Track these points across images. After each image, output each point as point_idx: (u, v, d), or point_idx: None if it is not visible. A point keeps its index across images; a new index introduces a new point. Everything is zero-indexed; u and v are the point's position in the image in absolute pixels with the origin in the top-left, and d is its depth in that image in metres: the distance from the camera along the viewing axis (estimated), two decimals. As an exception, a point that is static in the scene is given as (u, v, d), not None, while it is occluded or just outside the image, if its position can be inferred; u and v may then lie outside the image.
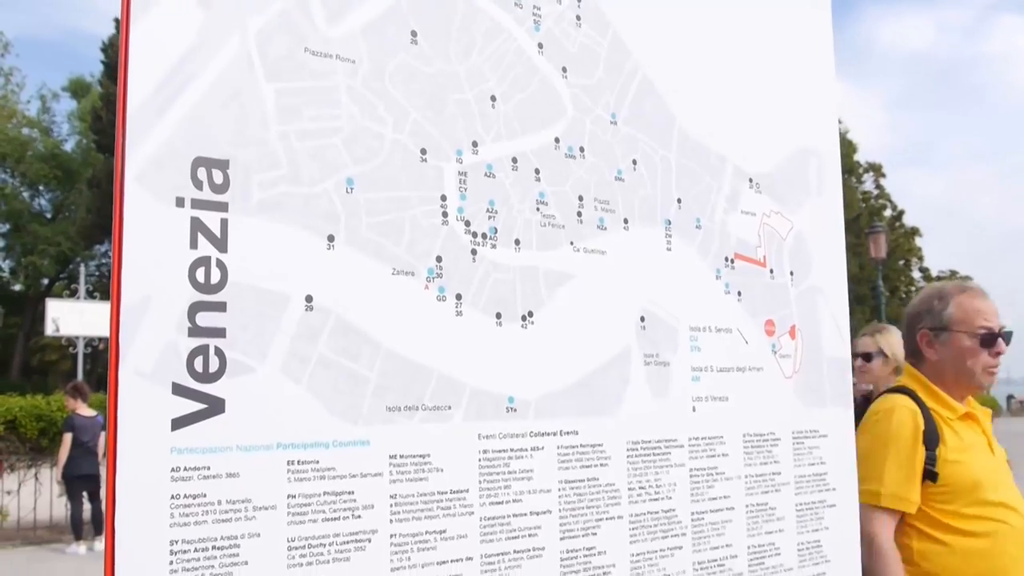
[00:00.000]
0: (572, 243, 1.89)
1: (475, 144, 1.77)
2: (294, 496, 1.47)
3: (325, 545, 1.49)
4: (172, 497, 1.36)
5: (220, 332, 1.43)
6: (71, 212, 38.78)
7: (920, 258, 32.79)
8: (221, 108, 1.48)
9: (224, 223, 1.45)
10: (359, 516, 1.53)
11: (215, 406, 1.41)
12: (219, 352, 1.42)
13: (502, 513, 1.71)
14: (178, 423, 1.37)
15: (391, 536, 1.56)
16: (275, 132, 1.53)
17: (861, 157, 31.28)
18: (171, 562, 1.34)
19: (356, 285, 1.58)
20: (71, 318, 16.24)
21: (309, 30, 1.59)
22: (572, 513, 1.81)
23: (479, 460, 1.69)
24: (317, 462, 1.50)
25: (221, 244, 1.45)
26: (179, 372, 1.39)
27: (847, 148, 29.10)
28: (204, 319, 1.42)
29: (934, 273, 32.90)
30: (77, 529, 10.96)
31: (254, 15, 1.53)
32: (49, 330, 16.28)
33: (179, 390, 1.38)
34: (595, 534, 1.84)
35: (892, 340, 4.45)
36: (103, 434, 10.49)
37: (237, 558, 1.40)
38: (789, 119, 2.40)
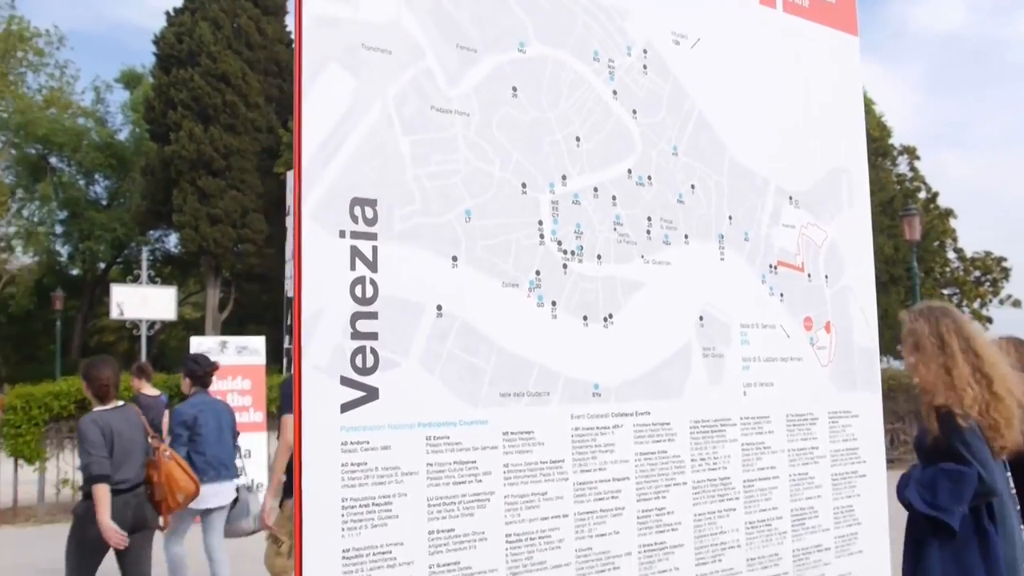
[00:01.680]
0: (643, 256, 2.27)
1: (564, 177, 2.16)
2: (431, 464, 1.87)
3: (455, 503, 1.90)
4: (342, 465, 1.76)
5: (374, 335, 1.83)
6: (125, 199, 39.81)
7: (954, 239, 32.57)
8: (370, 157, 1.87)
9: (375, 249, 1.86)
10: (480, 480, 1.94)
11: (372, 394, 1.81)
12: (373, 351, 1.83)
13: (590, 479, 2.10)
14: (345, 407, 1.78)
15: (504, 497, 1.96)
16: (410, 175, 1.92)
17: (895, 140, 31.13)
18: (343, 515, 1.75)
19: (475, 295, 1.97)
20: (134, 302, 16.83)
21: (433, 91, 1.98)
22: (646, 480, 2.20)
23: (572, 436, 2.09)
24: (448, 437, 1.90)
25: (373, 266, 1.85)
26: (345, 367, 1.79)
27: (881, 131, 28.95)
28: (362, 325, 1.82)
29: (968, 254, 32.67)
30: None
31: (392, 82, 1.92)
32: (114, 313, 16.89)
33: (345, 381, 1.79)
34: (664, 497, 2.23)
35: None
36: (167, 412, 11.02)
37: (390, 512, 1.81)
38: (823, 143, 2.77)
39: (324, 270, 1.80)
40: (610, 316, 2.19)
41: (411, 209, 1.92)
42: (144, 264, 19.58)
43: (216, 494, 6.20)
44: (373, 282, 1.85)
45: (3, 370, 36.47)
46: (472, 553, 1.91)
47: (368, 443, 1.80)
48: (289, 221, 16.34)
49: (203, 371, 6.52)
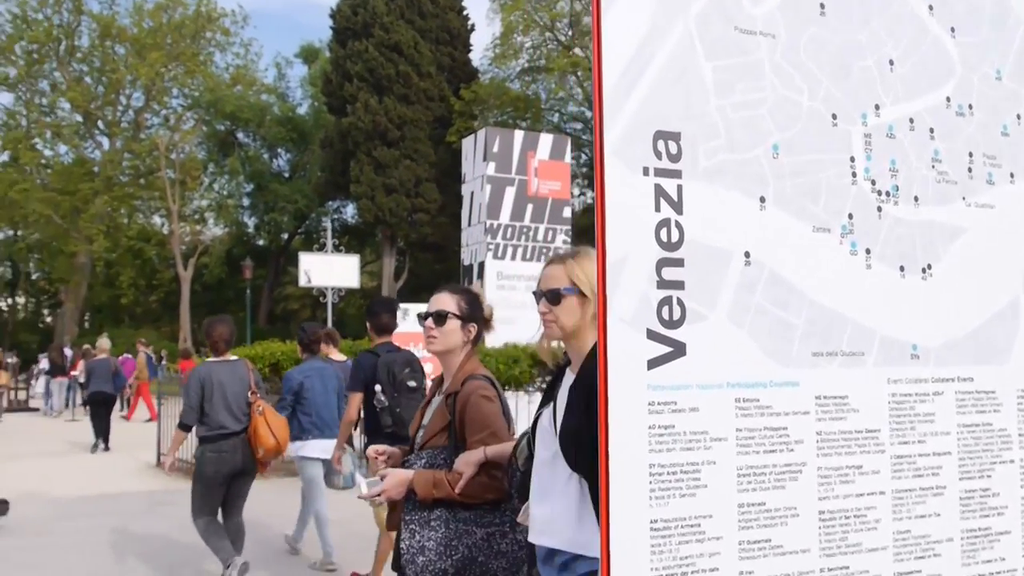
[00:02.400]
0: (964, 198, 1.97)
1: (877, 107, 1.88)
2: (740, 430, 1.66)
3: (765, 474, 1.68)
4: (649, 428, 1.58)
5: (680, 284, 1.63)
6: (305, 171, 41.54)
7: None
8: (671, 86, 1.66)
9: (679, 189, 1.65)
10: (792, 450, 1.71)
11: (679, 349, 1.62)
12: (680, 302, 1.63)
13: (909, 452, 1.84)
14: (652, 363, 1.59)
15: (818, 469, 1.73)
16: (714, 105, 1.70)
17: None
18: (650, 483, 1.57)
19: (783, 241, 1.74)
20: (321, 270, 17.56)
21: (736, 10, 1.75)
22: (969, 456, 1.91)
23: (888, 403, 1.83)
24: (758, 400, 1.69)
25: (678, 207, 1.64)
26: (651, 319, 1.60)
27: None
28: (668, 273, 1.62)
29: None
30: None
31: (693, 1, 1.70)
32: (302, 281, 17.75)
33: (652, 335, 1.60)
34: (989, 476, 1.94)
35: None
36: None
37: (699, 482, 1.62)
38: None
39: (628, 212, 1.61)
40: (929, 267, 1.90)
41: (715, 144, 1.70)
42: (329, 233, 20.29)
43: (324, 450, 6.55)
44: (679, 225, 1.64)
45: (200, 335, 38.96)
46: (783, 530, 1.70)
47: (675, 404, 1.61)
48: (469, 188, 16.49)
49: (308, 339, 7.19)
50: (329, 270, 18.09)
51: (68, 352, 22.45)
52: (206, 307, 41.69)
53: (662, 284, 1.62)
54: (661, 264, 1.62)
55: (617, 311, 1.58)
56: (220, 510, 6.09)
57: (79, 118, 40.48)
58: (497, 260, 15.49)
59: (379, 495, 2.92)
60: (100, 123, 41.21)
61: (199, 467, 5.94)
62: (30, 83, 39.99)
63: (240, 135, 42.43)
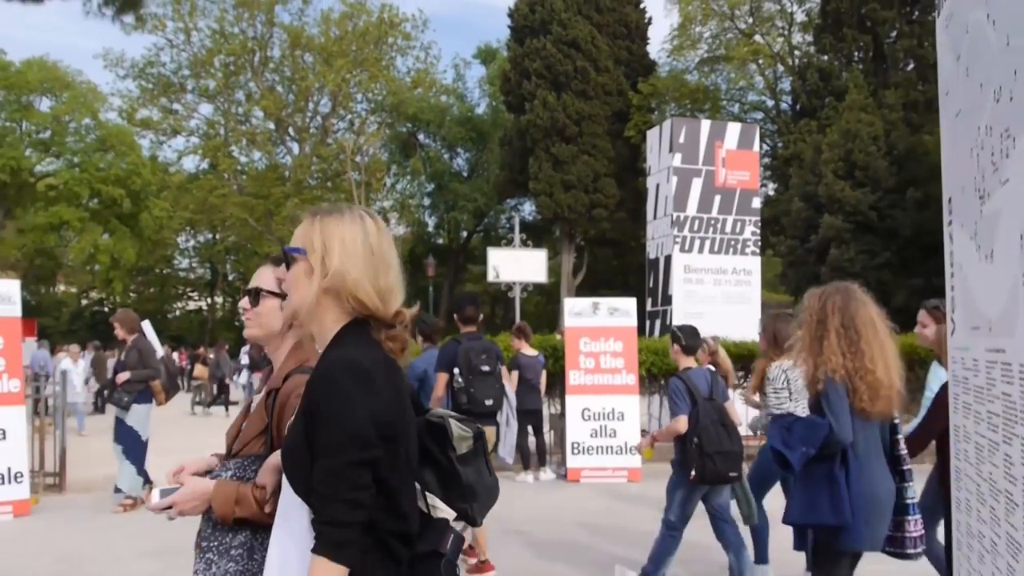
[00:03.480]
0: None
1: None
2: None
3: None
4: None
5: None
6: (484, 170, 42.05)
7: None
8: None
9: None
10: None
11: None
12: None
13: None
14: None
15: None
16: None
17: None
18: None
19: None
20: (508, 265, 17.60)
21: None
22: None
23: None
24: None
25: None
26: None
27: None
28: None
29: None
30: (525, 459, 11.68)
31: None
32: (490, 276, 17.92)
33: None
34: None
35: None
36: (543, 372, 11.08)
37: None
38: None
39: None
40: None
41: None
42: (517, 228, 20.36)
43: None
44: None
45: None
46: None
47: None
48: (654, 180, 16.00)
49: (429, 329, 7.32)
50: (517, 265, 18.15)
51: (265, 348, 23.42)
52: (390, 305, 43.00)
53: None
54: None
55: None
56: None
57: (271, 125, 42.71)
58: (684, 253, 14.86)
59: (170, 507, 2.31)
60: (290, 129, 43.30)
61: None
62: (227, 94, 42.50)
63: (421, 136, 43.45)
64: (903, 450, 3.82)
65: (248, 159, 44.03)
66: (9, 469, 8.36)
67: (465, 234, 44.71)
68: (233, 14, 39.90)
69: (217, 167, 41.74)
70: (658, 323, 15.27)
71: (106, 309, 55.40)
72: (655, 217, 15.80)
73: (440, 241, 45.57)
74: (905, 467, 3.81)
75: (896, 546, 3.81)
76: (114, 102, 42.86)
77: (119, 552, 7.06)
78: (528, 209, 40.62)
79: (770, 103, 36.67)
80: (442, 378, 6.39)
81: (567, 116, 30.93)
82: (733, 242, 15.11)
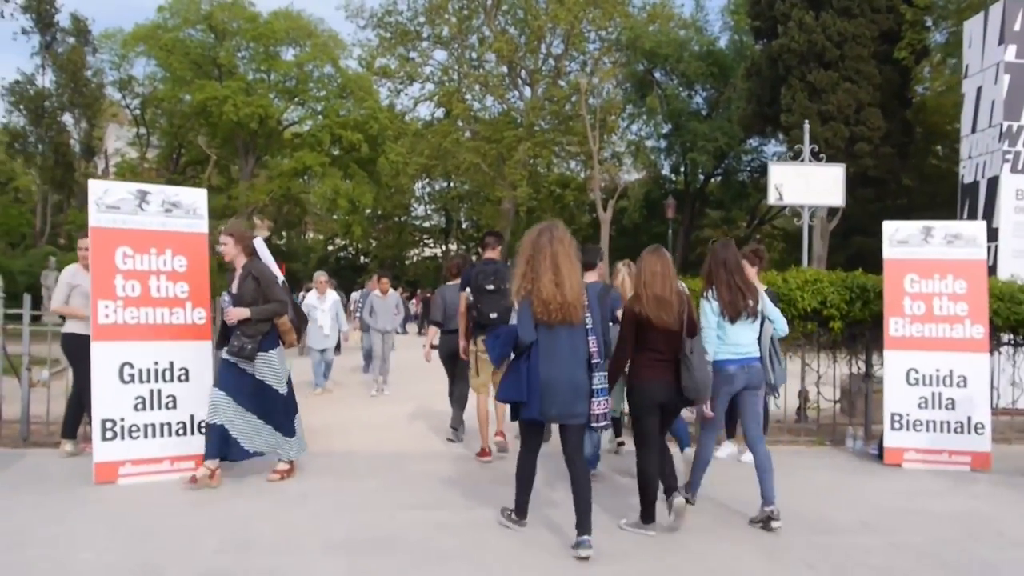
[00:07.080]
0: None
1: None
2: None
3: None
4: None
5: None
6: (724, 108, 39.09)
7: None
8: None
9: None
10: None
11: None
12: None
13: None
14: None
15: None
16: None
17: None
18: None
19: None
20: (795, 185, 14.57)
21: None
22: None
23: None
24: None
25: None
26: None
27: None
28: None
29: None
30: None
31: None
32: (771, 198, 14.84)
33: None
34: None
35: None
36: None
37: None
38: None
39: None
40: None
41: None
42: (806, 139, 17.38)
43: None
44: None
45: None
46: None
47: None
48: (973, 83, 12.93)
49: (589, 261, 7.43)
50: (805, 185, 14.93)
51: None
52: (622, 252, 41.32)
53: None
54: None
55: None
56: None
57: (504, 69, 41.95)
58: (1018, 174, 11.96)
59: None
60: (523, 72, 42.37)
61: None
62: (461, 39, 42.26)
63: (657, 74, 41.09)
64: (593, 348, 5.15)
65: (481, 105, 43.68)
66: (191, 416, 7.17)
67: (703, 177, 42.16)
68: (467, -43, 39.20)
69: (451, 113, 41.56)
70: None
71: (350, 255, 57.67)
72: (974, 130, 12.81)
73: (676, 186, 43.28)
74: (593, 361, 5.15)
75: (589, 421, 5.20)
76: (354, 51, 43.71)
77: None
78: (771, 150, 37.50)
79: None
80: (462, 297, 8.28)
81: (827, 37, 27.59)
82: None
